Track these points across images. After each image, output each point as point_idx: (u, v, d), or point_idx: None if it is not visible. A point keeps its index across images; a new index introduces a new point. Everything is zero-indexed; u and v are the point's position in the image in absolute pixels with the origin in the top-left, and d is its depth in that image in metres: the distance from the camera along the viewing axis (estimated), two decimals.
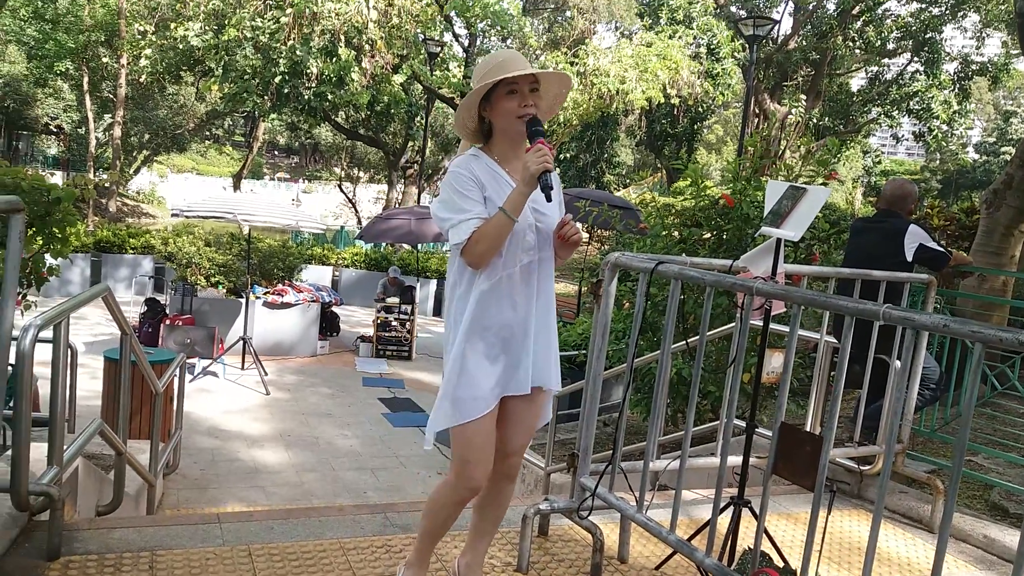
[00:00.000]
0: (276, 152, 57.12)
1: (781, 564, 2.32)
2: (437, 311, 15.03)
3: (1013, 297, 5.51)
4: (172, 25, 16.22)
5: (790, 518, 3.42)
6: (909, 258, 3.75)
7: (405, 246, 16.18)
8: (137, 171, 30.98)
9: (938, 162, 46.15)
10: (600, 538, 2.60)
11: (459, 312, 2.07)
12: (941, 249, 3.83)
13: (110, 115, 24.89)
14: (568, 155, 25.62)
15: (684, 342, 3.55)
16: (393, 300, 11.16)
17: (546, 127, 2.10)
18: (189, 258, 10.89)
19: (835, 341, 3.31)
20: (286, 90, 15.63)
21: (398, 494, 6.07)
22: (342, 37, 15.26)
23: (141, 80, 19.64)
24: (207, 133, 38.04)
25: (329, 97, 15.82)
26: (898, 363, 3.16)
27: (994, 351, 4.17)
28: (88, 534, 2.51)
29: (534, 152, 1.93)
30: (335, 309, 12.30)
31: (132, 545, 2.47)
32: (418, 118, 21.71)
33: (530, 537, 2.61)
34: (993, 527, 3.30)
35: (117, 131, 23.11)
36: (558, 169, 25.64)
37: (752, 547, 2.15)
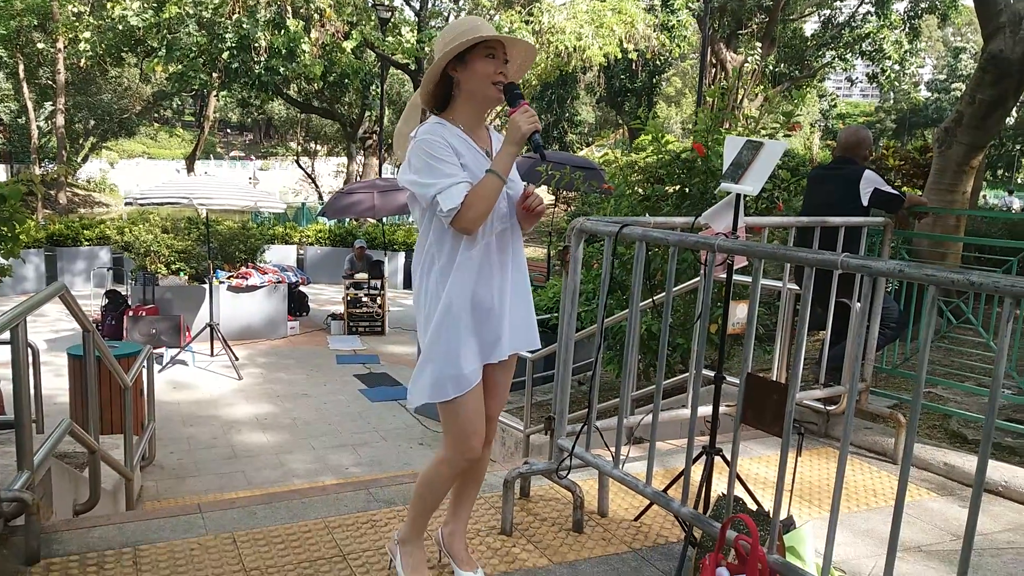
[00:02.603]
0: (229, 130, 55.64)
1: (754, 507, 2.40)
2: (407, 284, 14.94)
3: (966, 232, 5.67)
4: (109, 4, 15.51)
5: (760, 460, 3.53)
6: (865, 203, 3.83)
7: (370, 220, 16.00)
8: (85, 159, 29.95)
9: (892, 102, 46.82)
10: (580, 495, 2.66)
11: (439, 284, 2.04)
12: (895, 192, 3.91)
13: (51, 103, 23.89)
14: None
15: (651, 299, 3.60)
16: (362, 276, 11.06)
17: None
18: (147, 246, 10.64)
19: (797, 288, 3.38)
20: (235, 66, 15.15)
21: (380, 468, 6.11)
22: (289, 8, 14.80)
23: (81, 64, 18.84)
24: (155, 115, 36.83)
25: (280, 70, 15.38)
26: (858, 305, 3.25)
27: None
28: (67, 535, 2.49)
29: (521, 112, 1.97)
30: (303, 288, 12.17)
31: (113, 542, 2.46)
32: (373, 87, 21.25)
33: (512, 500, 2.66)
34: (952, 454, 3.45)
35: (60, 119, 22.23)
36: None
37: (726, 493, 2.22)
